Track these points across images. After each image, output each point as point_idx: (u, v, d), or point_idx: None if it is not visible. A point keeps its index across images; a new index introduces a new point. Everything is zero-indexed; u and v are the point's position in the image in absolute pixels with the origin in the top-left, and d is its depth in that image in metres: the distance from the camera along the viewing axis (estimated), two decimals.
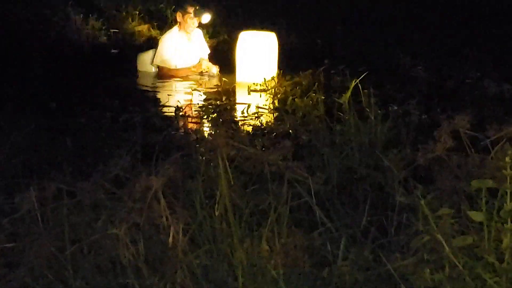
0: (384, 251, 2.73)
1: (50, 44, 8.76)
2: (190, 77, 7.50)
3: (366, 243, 2.80)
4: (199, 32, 7.82)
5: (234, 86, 6.98)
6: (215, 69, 7.51)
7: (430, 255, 2.42)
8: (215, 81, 7.34)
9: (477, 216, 2.47)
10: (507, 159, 2.42)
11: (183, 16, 7.51)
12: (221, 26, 9.25)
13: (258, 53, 7.13)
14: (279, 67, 7.10)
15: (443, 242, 2.36)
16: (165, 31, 7.93)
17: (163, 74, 7.59)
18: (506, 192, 2.43)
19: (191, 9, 7.49)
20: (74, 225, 2.73)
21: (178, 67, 7.54)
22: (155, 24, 9.96)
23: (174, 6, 9.66)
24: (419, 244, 2.46)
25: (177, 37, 7.59)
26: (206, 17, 7.61)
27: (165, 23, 9.87)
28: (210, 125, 5.19)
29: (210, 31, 8.87)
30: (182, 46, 7.58)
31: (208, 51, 7.89)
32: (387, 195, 3.17)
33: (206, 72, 7.49)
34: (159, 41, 7.70)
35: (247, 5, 10.41)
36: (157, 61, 7.57)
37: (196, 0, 7.61)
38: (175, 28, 7.66)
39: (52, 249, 2.63)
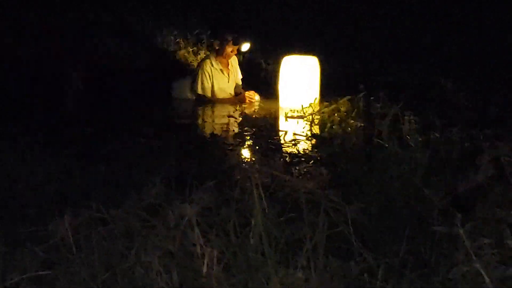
0: (424, 281, 2.66)
1: (83, 69, 8.84)
2: (228, 103, 7.49)
3: (404, 274, 2.73)
4: (235, 59, 7.80)
5: (274, 112, 6.96)
6: (257, 97, 7.50)
7: (470, 286, 2.36)
8: (254, 107, 7.32)
9: None
10: None
11: (222, 43, 7.50)
12: (257, 52, 9.24)
13: (302, 77, 7.11)
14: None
15: (484, 273, 2.31)
16: (202, 57, 7.90)
17: (204, 102, 7.57)
18: None
19: (230, 37, 7.48)
20: (107, 252, 2.71)
21: (218, 96, 7.53)
22: (191, 50, 10.02)
23: (210, 32, 9.71)
24: (459, 275, 2.40)
25: (215, 65, 7.57)
26: (246, 46, 7.62)
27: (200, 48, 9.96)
28: (245, 152, 5.16)
29: (247, 57, 8.87)
30: (220, 74, 7.57)
31: (241, 76, 7.87)
32: (427, 225, 3.10)
33: (251, 99, 7.46)
34: (197, 69, 7.68)
35: (282, 31, 10.41)
36: (197, 89, 7.55)
37: (234, 28, 7.62)
38: (212, 55, 7.64)
39: (85, 277, 2.62)
